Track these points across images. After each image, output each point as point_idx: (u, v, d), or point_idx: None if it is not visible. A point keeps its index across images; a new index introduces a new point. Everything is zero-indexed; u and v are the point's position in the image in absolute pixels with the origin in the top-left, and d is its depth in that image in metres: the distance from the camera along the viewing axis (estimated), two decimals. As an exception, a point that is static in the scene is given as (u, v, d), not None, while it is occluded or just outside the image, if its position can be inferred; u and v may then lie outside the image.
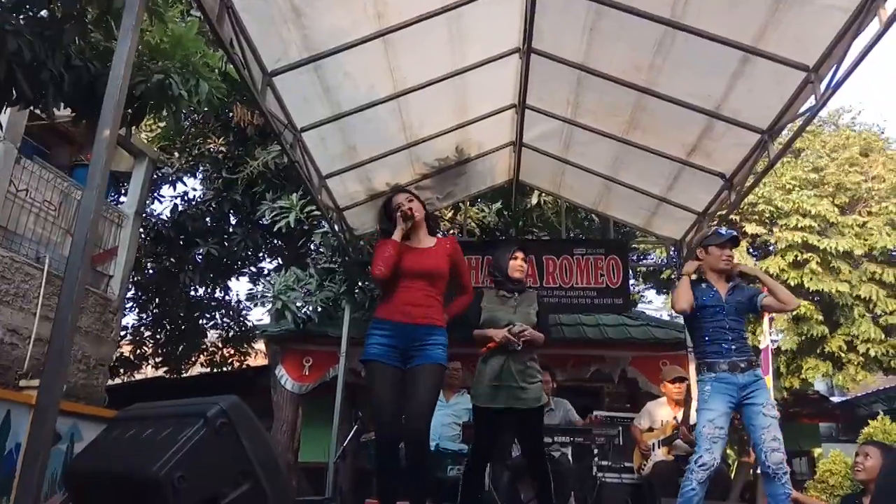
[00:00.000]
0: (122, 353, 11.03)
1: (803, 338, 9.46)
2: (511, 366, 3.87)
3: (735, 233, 4.12)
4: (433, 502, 4.41)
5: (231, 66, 4.37)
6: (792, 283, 9.23)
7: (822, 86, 4.16)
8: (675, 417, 5.33)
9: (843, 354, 9.47)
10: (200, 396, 2.43)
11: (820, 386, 14.05)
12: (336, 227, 6.67)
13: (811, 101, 4.36)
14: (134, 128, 6.15)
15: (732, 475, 7.20)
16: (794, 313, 9.28)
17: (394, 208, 3.72)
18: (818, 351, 9.60)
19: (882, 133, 12.58)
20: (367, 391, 3.57)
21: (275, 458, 2.43)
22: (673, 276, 7.27)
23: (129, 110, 4.11)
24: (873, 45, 3.69)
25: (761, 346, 6.92)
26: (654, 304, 16.20)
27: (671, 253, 7.61)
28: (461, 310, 3.89)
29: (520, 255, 4.14)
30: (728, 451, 9.87)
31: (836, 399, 14.66)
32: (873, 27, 3.65)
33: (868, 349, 9.25)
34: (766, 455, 3.55)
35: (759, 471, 4.24)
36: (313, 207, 7.16)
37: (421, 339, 3.48)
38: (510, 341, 3.85)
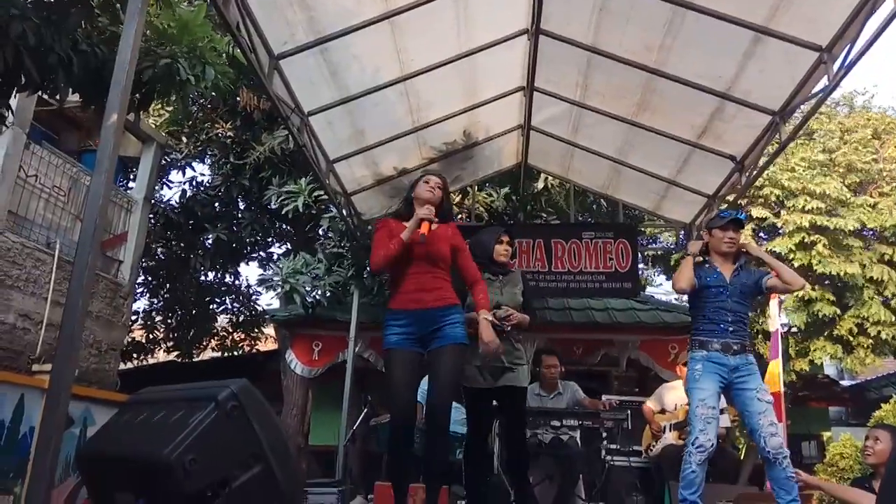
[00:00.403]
0: (134, 337, 11.12)
1: (812, 318, 9.38)
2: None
3: (737, 214, 4.03)
4: (442, 485, 4.43)
5: (238, 50, 4.35)
6: (796, 265, 9.17)
7: (835, 66, 4.10)
8: (688, 403, 5.31)
9: (852, 338, 9.40)
10: (211, 380, 2.45)
11: (830, 370, 14.00)
12: (344, 212, 6.67)
13: (824, 82, 4.31)
14: (142, 113, 6.17)
15: (742, 458, 7.21)
16: (803, 295, 9.22)
17: (420, 197, 3.63)
18: (827, 333, 9.53)
19: (897, 116, 12.43)
20: (384, 376, 3.56)
21: (285, 442, 2.44)
22: (682, 260, 7.25)
23: (137, 95, 4.11)
24: (888, 24, 3.64)
25: (771, 330, 6.87)
26: (664, 288, 16.15)
27: (680, 236, 7.57)
28: (487, 297, 3.79)
29: (505, 238, 4.18)
30: (738, 434, 9.89)
31: (845, 383, 14.61)
32: (888, 6, 3.60)
33: (879, 332, 9.18)
34: (764, 440, 3.55)
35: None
36: (321, 192, 7.16)
37: (439, 322, 3.46)
38: (495, 325, 3.87)
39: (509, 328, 3.90)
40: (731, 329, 3.75)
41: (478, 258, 4.05)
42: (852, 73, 4.08)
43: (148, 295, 11.10)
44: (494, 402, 4.09)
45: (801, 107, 4.89)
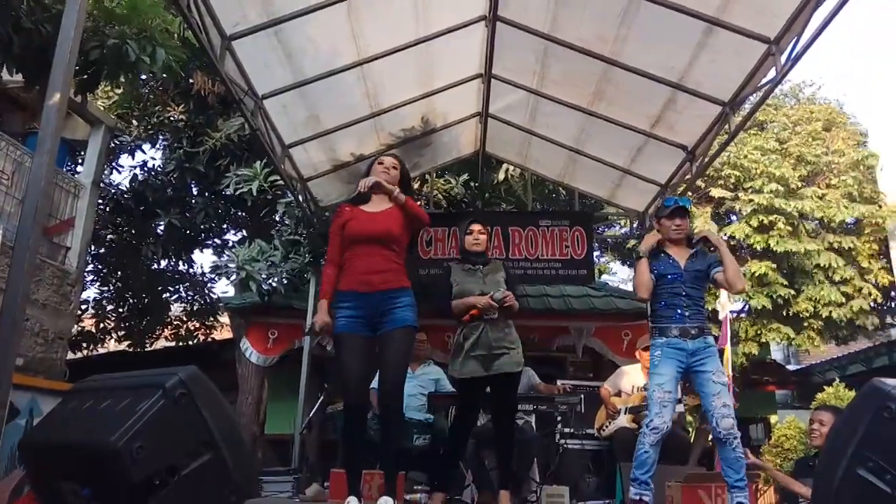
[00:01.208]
0: (84, 326, 10.84)
1: (770, 299, 9.57)
2: (490, 333, 3.93)
3: (680, 202, 4.08)
4: (399, 471, 4.45)
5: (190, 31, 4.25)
6: (758, 249, 9.39)
7: (783, 58, 4.21)
8: (644, 388, 5.41)
9: (807, 315, 9.62)
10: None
11: (777, 354, 14.44)
12: (300, 198, 6.59)
13: (772, 73, 4.41)
14: (89, 95, 5.99)
15: (692, 441, 7.40)
16: (759, 276, 9.43)
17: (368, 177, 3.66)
18: (784, 313, 9.73)
19: (842, 108, 12.77)
20: (335, 362, 3.55)
21: (236, 429, 2.42)
22: (637, 246, 7.35)
23: (85, 76, 4.00)
24: (832, 17, 3.75)
25: (720, 317, 7.04)
26: (619, 276, 16.42)
27: (634, 225, 7.69)
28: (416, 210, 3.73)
29: (475, 227, 4.18)
30: (689, 418, 10.13)
31: (791, 367, 15.10)
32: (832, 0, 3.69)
33: (830, 312, 9.44)
34: (717, 421, 3.66)
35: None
36: (277, 176, 7.05)
37: (387, 305, 3.45)
38: (492, 307, 3.88)
39: (496, 315, 3.92)
40: (687, 314, 3.83)
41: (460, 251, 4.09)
42: (800, 65, 4.19)
43: (98, 283, 10.83)
44: (488, 389, 4.08)
45: (751, 97, 5.00)
